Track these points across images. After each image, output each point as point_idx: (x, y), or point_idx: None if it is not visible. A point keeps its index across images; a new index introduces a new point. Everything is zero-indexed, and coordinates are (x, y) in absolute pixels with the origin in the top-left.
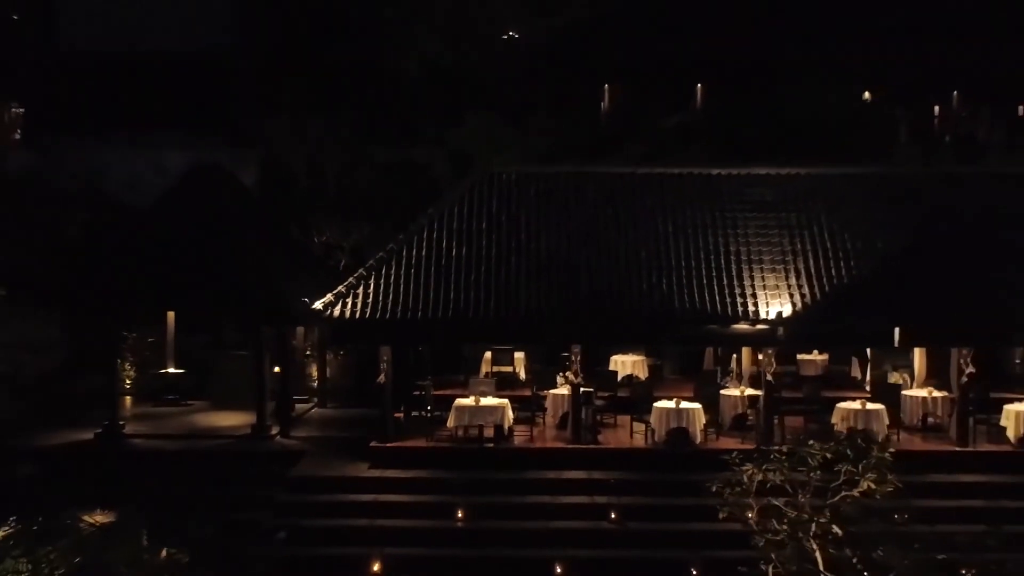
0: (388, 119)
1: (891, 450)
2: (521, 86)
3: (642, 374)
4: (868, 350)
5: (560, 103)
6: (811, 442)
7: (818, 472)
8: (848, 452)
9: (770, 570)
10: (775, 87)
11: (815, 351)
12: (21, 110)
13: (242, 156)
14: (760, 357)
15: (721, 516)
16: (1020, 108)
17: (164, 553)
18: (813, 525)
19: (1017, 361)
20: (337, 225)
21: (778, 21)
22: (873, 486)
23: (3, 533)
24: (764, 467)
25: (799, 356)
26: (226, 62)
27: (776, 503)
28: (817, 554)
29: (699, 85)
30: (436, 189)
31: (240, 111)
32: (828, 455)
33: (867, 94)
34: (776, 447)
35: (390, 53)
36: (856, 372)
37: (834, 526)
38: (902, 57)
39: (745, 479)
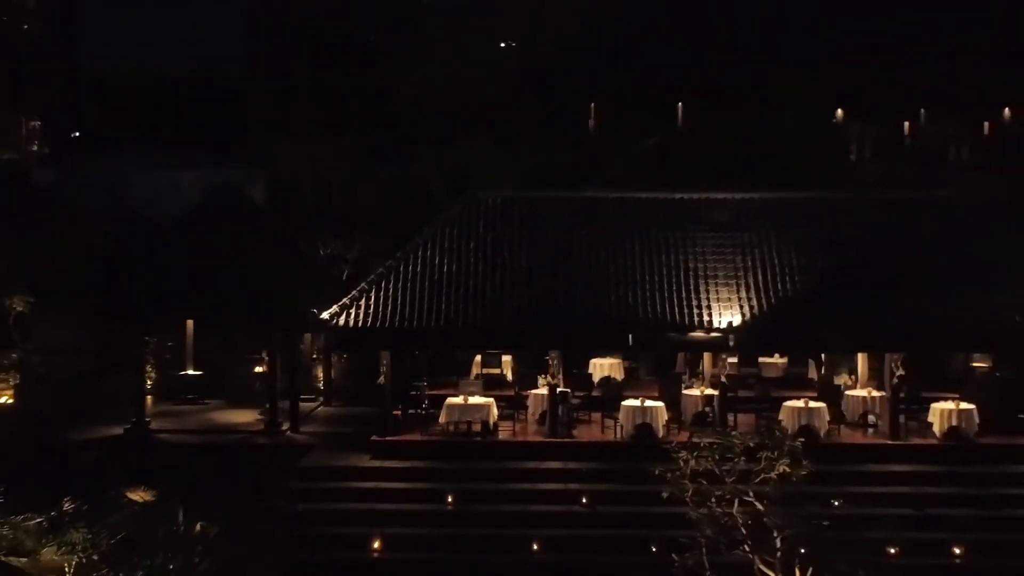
0: (388, 139)
1: (832, 442)
2: (512, 108)
3: (618, 376)
4: (823, 355)
5: (548, 124)
6: (733, 433)
7: (742, 459)
8: (767, 442)
9: (704, 540)
10: (750, 109)
11: (776, 355)
12: (38, 122)
13: (253, 173)
14: (717, 361)
15: (664, 496)
16: (986, 125)
17: (198, 527)
18: (736, 501)
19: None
20: (341, 238)
21: (755, 45)
22: (788, 470)
23: (64, 509)
24: (695, 454)
25: (761, 359)
26: (238, 85)
27: (707, 484)
28: (740, 525)
29: (680, 104)
30: (433, 204)
31: (251, 131)
32: (751, 444)
33: (840, 111)
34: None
35: (391, 78)
36: (813, 374)
37: (755, 502)
38: (873, 78)
39: (682, 464)
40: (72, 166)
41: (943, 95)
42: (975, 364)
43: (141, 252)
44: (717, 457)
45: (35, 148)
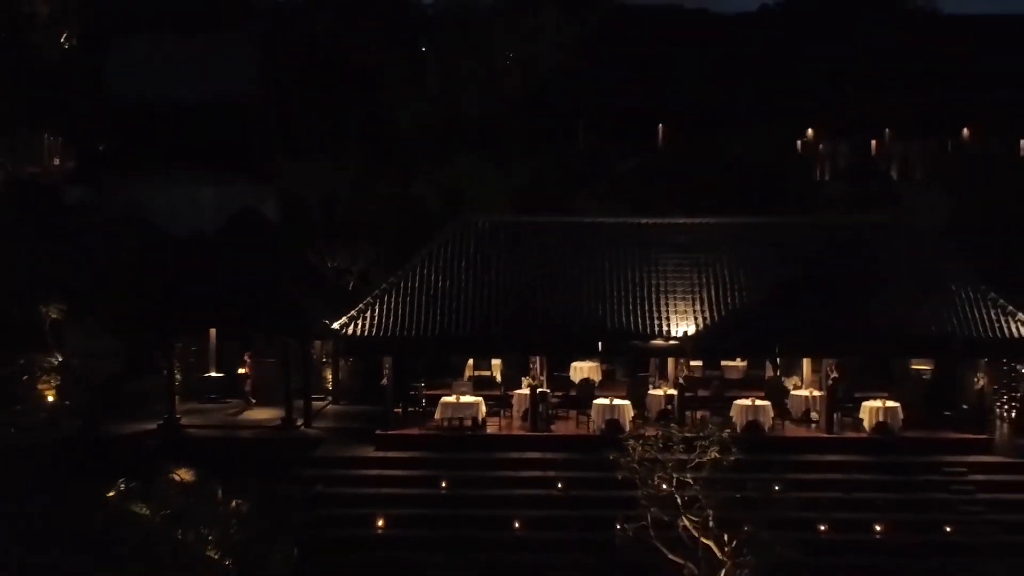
0: (390, 158)
1: (776, 435)
2: (504, 130)
3: (596, 378)
4: (777, 359)
5: (538, 144)
6: (672, 426)
7: (682, 447)
8: (700, 434)
9: (649, 514)
10: (724, 132)
11: (737, 359)
12: (58, 138)
13: (264, 191)
14: (679, 365)
15: (619, 477)
16: (948, 144)
17: (233, 503)
18: (674, 481)
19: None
20: (346, 251)
21: (731, 72)
22: (717, 455)
23: (122, 487)
24: (642, 443)
25: (723, 363)
26: (251, 110)
27: (651, 468)
28: (678, 500)
29: (660, 127)
30: (430, 219)
31: (262, 152)
32: (687, 435)
33: (810, 131)
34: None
35: (391, 103)
36: (769, 373)
37: (691, 483)
38: (841, 100)
39: (631, 451)
40: (99, 185)
41: (908, 116)
42: (918, 367)
43: (168, 266)
44: (661, 446)
45: (57, 162)
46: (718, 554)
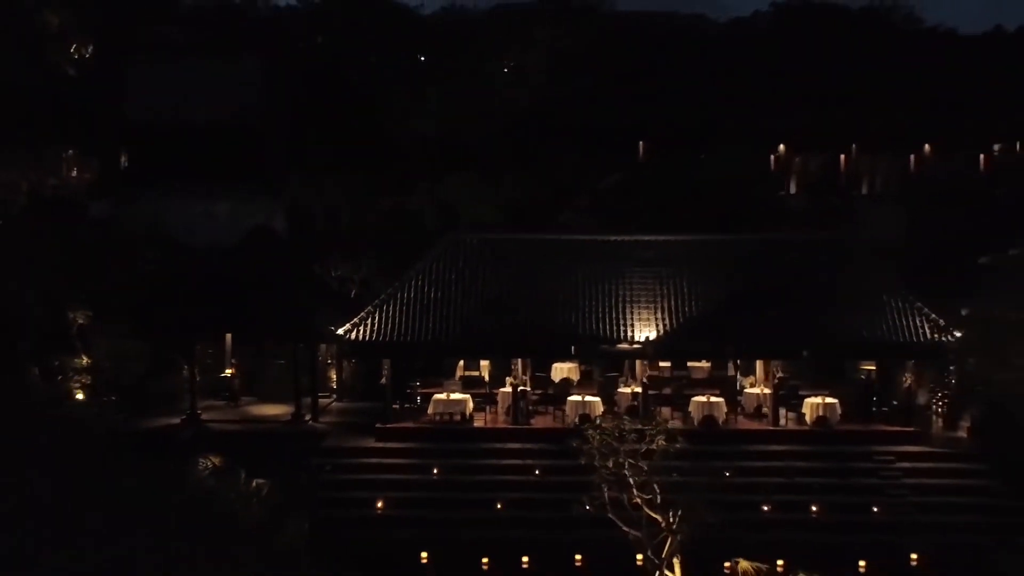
0: (390, 175)
1: (729, 428)
2: (494, 149)
3: (575, 377)
4: (738, 360)
5: (526, 163)
6: (625, 417)
7: (634, 436)
8: (647, 425)
9: (605, 493)
10: (697, 151)
11: (703, 360)
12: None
13: (273, 205)
14: (645, 366)
15: (582, 462)
16: (912, 159)
17: (254, 484)
18: (627, 464)
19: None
20: (349, 261)
21: (710, 89)
22: (663, 443)
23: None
24: (599, 433)
25: (690, 364)
26: (261, 130)
27: (606, 454)
28: (631, 481)
29: (638, 147)
30: (426, 231)
31: (272, 169)
32: (640, 426)
33: (782, 147)
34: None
35: (391, 122)
36: (731, 374)
37: (643, 465)
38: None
39: (590, 439)
40: (121, 200)
41: (875, 132)
42: (868, 368)
43: (188, 276)
44: (617, 435)
45: (79, 175)
46: (660, 524)
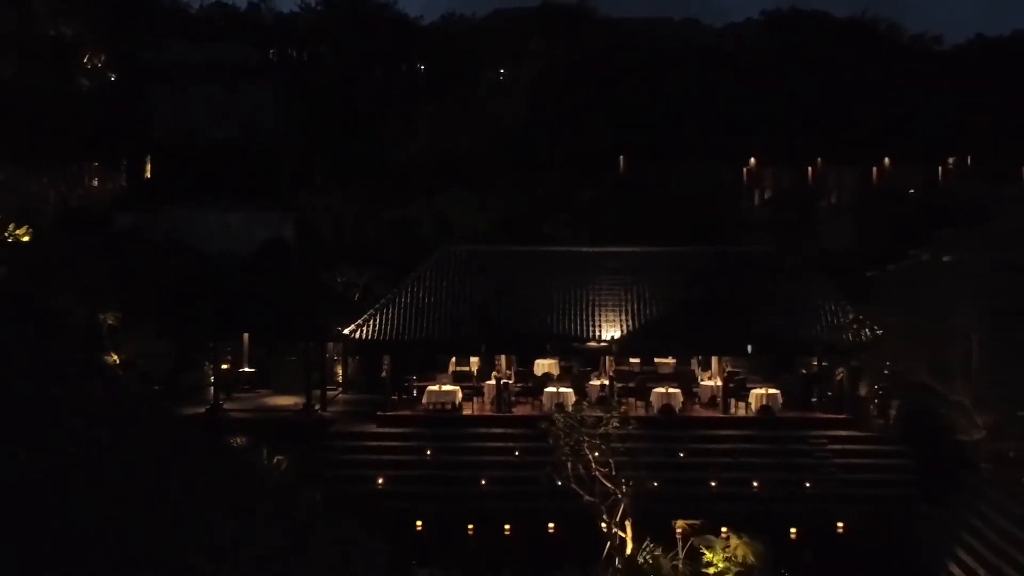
0: (390, 190)
1: (684, 415)
2: (484, 167)
3: (555, 372)
4: (699, 357)
5: (514, 177)
6: (584, 403)
7: (592, 419)
8: (603, 410)
9: (569, 468)
10: (669, 168)
11: (669, 357)
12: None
13: (284, 216)
14: (612, 362)
15: (551, 441)
16: (874, 170)
17: (275, 459)
18: (585, 445)
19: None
20: (353, 268)
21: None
22: (617, 426)
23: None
24: (561, 416)
25: (656, 360)
26: (272, 147)
27: (568, 434)
28: (590, 457)
29: (616, 163)
30: (424, 241)
31: (282, 183)
32: (598, 413)
33: (753, 160)
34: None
35: (390, 140)
36: (695, 370)
37: (599, 444)
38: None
39: (556, 422)
40: (143, 211)
41: (840, 145)
42: (815, 363)
43: (208, 282)
44: (579, 418)
45: (96, 184)
46: (611, 489)
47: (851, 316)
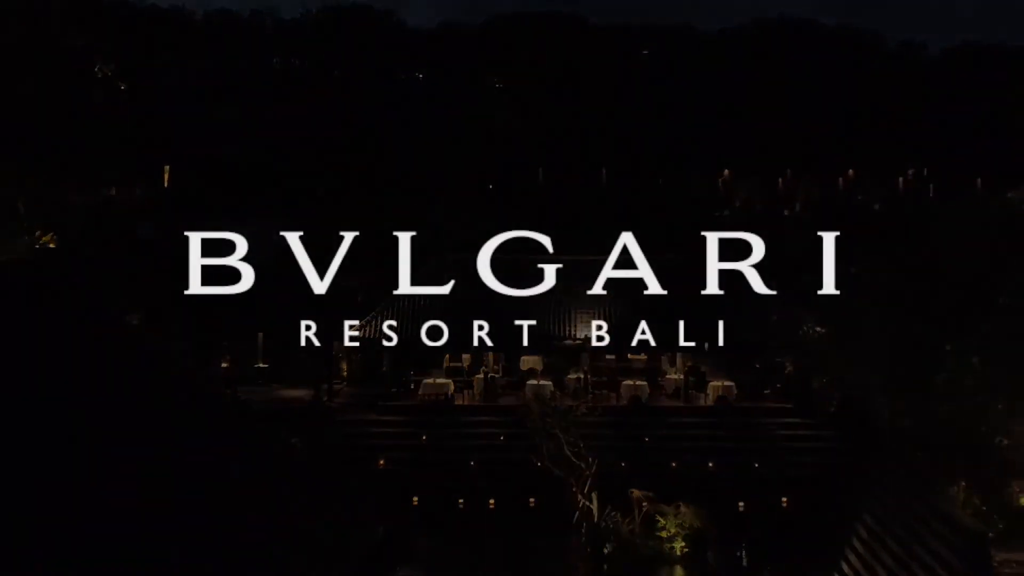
0: (390, 205)
1: (651, 405)
2: (476, 181)
3: (539, 367)
4: (669, 353)
5: (505, 186)
6: (557, 393)
7: (561, 406)
8: (575, 400)
9: (544, 449)
10: (651, 178)
11: (641, 353)
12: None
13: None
14: (588, 358)
15: (529, 425)
16: (840, 180)
17: (292, 441)
18: (557, 429)
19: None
20: (357, 275)
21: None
22: (584, 412)
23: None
24: (536, 404)
25: (629, 356)
26: (279, 165)
27: (541, 419)
28: (562, 439)
29: (601, 176)
30: (420, 251)
31: (294, 197)
32: (570, 402)
33: (726, 171)
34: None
35: (390, 156)
36: (664, 365)
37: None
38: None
39: (533, 409)
40: (164, 221)
41: (807, 156)
42: (778, 360)
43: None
44: (552, 405)
45: (113, 193)
46: (581, 466)
47: (799, 318)
